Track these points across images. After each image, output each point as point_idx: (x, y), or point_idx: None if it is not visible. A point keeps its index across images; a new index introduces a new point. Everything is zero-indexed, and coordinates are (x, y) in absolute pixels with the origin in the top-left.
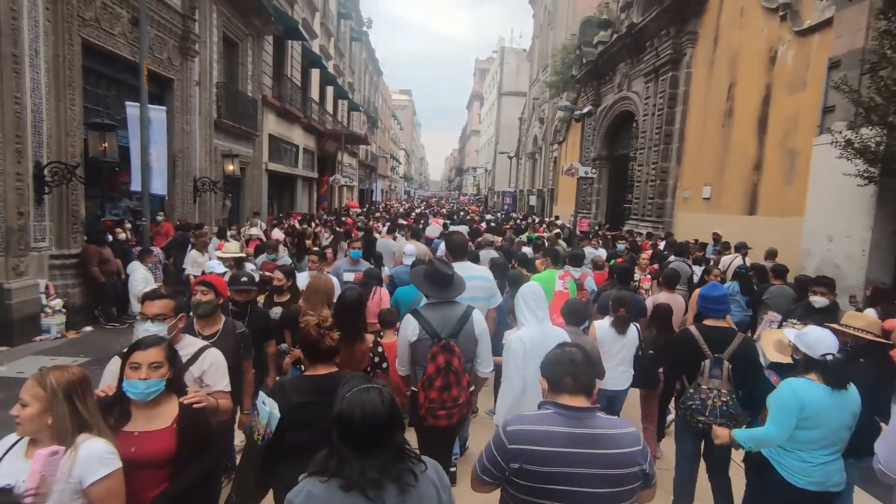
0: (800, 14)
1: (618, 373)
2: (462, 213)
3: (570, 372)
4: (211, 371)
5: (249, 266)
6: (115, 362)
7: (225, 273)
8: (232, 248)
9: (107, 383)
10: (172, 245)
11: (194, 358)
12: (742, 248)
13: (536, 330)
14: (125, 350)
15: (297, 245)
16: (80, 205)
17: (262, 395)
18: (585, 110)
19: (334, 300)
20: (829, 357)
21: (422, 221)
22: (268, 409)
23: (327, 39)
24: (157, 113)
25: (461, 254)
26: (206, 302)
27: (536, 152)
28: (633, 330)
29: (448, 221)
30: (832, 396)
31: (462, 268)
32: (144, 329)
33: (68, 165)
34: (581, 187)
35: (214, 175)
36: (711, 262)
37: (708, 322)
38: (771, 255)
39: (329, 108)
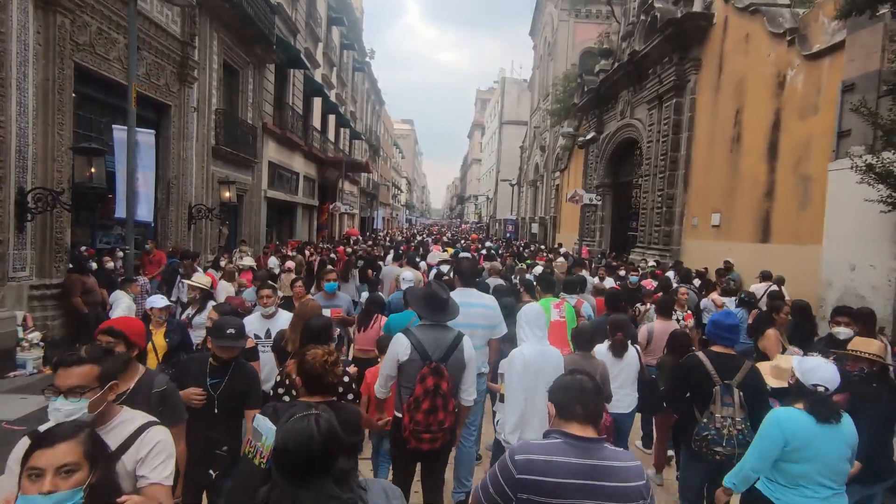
0: (808, 38)
1: (620, 395)
2: (463, 241)
3: (581, 401)
4: (151, 457)
5: (211, 304)
6: (25, 446)
7: (166, 308)
8: (202, 279)
9: (7, 489)
10: (165, 274)
11: (130, 441)
12: (769, 277)
13: (536, 347)
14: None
15: (316, 275)
16: (64, 232)
17: (258, 416)
18: (589, 136)
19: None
20: (821, 389)
21: (420, 249)
22: (270, 427)
23: (329, 69)
24: (146, 137)
25: (470, 280)
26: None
27: (538, 180)
28: (632, 352)
29: (452, 249)
30: (823, 427)
31: (466, 294)
32: (55, 409)
33: (52, 191)
34: (585, 215)
35: (211, 202)
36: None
37: (716, 349)
38: (778, 282)
39: (331, 136)
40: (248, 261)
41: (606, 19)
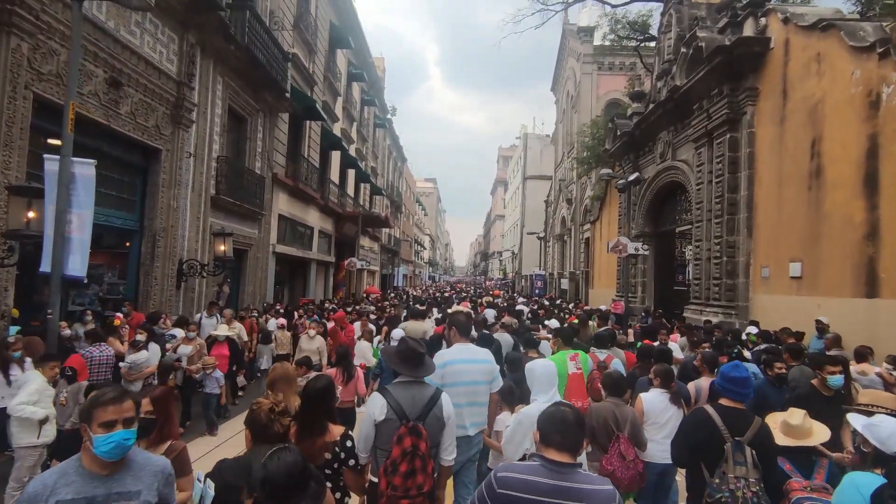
0: None
1: (667, 445)
2: (488, 298)
3: (561, 430)
4: None
5: None
6: None
7: None
8: None
9: None
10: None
11: None
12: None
13: (542, 404)
14: None
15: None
16: (4, 293)
17: (198, 473)
18: (632, 177)
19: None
20: None
21: (443, 304)
22: (202, 486)
23: (349, 124)
24: (84, 168)
25: (465, 333)
26: None
27: (565, 234)
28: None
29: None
30: None
31: (465, 350)
32: None
33: None
34: (625, 268)
35: (208, 257)
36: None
37: (724, 402)
38: (836, 341)
39: (350, 191)
40: (224, 329)
41: (630, 70)
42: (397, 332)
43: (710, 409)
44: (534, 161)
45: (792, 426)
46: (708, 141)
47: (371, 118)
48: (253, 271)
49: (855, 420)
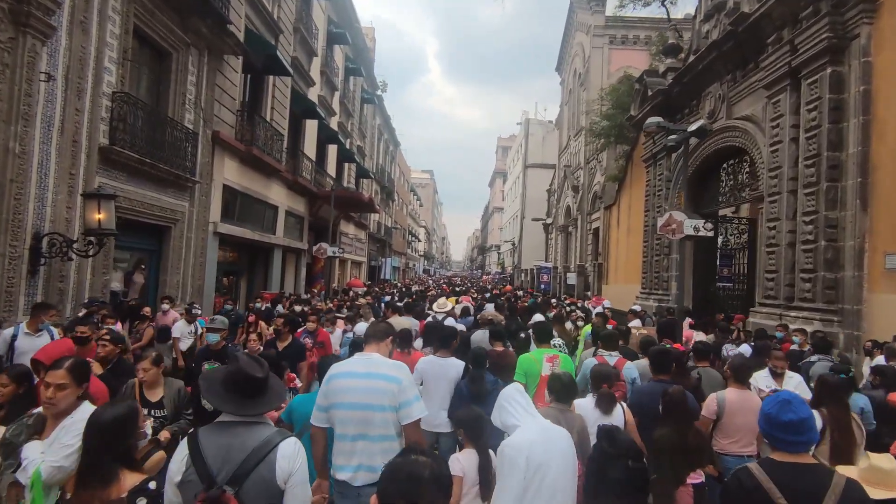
0: None
1: None
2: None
3: (410, 498)
4: None
5: None
6: None
7: None
8: None
9: None
10: None
11: None
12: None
13: (534, 431)
14: None
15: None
16: None
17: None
18: (694, 126)
19: None
20: None
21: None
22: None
23: (329, 92)
24: None
25: (374, 338)
26: None
27: (570, 225)
28: (618, 411)
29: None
30: None
31: (361, 360)
32: None
33: None
34: (652, 259)
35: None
36: None
37: (777, 456)
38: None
39: (332, 170)
40: None
41: (645, 45)
42: (361, 327)
43: (756, 469)
44: (536, 148)
45: (884, 471)
46: (791, 83)
47: (358, 91)
48: (179, 255)
49: None
